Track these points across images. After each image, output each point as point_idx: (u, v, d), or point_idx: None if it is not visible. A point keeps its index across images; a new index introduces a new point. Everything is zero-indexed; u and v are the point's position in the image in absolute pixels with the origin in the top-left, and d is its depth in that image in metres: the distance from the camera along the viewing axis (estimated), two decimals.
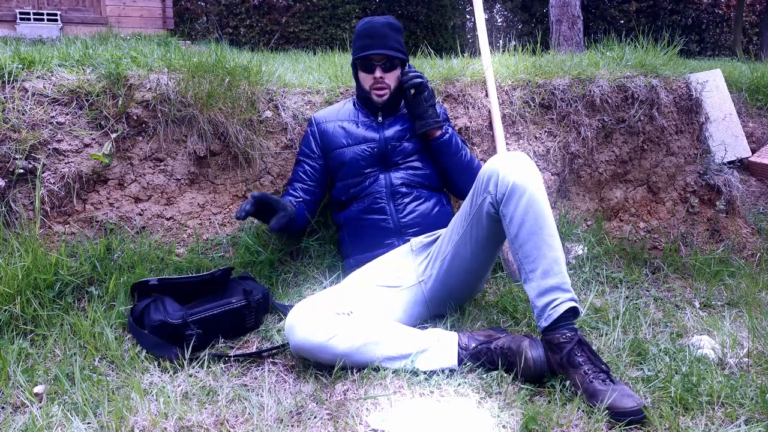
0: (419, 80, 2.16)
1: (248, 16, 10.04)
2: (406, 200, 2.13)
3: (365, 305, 1.86)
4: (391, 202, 2.13)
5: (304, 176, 2.26)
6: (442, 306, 2.04)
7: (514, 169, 1.75)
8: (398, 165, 2.18)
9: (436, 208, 2.16)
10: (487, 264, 2.00)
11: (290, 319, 1.69)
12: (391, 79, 2.19)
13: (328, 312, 1.69)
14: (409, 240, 2.10)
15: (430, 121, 2.17)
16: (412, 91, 2.19)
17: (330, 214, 2.38)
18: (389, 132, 2.20)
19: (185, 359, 1.74)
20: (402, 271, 2.04)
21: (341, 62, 3.09)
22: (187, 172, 2.34)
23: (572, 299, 1.69)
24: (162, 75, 2.33)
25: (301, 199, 2.23)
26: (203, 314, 1.85)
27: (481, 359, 1.73)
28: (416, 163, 2.19)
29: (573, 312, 1.68)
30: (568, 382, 1.62)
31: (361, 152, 2.18)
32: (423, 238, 2.09)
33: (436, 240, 2.08)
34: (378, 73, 2.17)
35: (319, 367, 1.74)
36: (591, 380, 1.56)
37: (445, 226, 2.07)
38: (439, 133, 2.19)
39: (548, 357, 1.67)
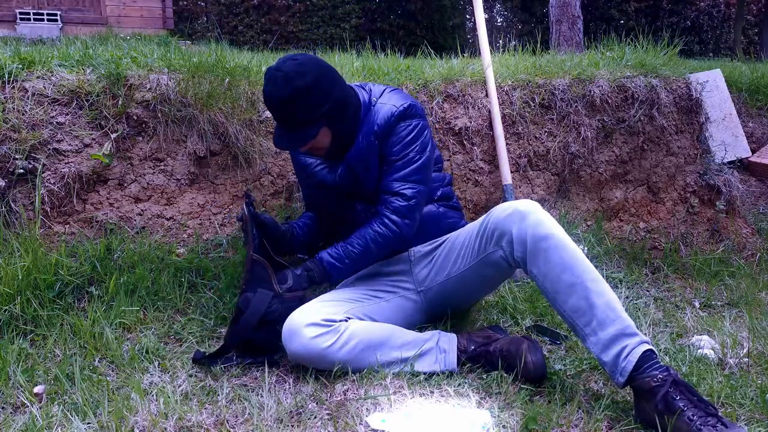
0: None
1: (248, 15, 10.04)
2: None
3: (362, 310, 1.81)
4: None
5: (304, 200, 2.19)
6: (440, 313, 1.98)
7: (526, 224, 1.62)
8: (366, 198, 1.93)
9: (429, 216, 1.95)
10: (493, 288, 2.01)
11: (287, 329, 1.67)
12: (321, 142, 1.83)
13: (325, 320, 1.67)
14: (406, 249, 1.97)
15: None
16: None
17: None
18: (341, 175, 1.90)
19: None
20: (400, 278, 1.94)
21: (341, 62, 3.08)
22: (187, 172, 2.34)
23: (643, 342, 1.50)
24: (162, 75, 2.33)
25: (309, 217, 2.12)
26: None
27: (480, 362, 1.73)
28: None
29: (649, 354, 1.49)
30: (567, 383, 1.62)
31: (326, 195, 1.97)
32: (422, 248, 1.94)
33: (436, 248, 1.92)
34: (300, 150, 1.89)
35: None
36: (699, 427, 1.35)
37: (443, 231, 1.94)
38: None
39: (640, 407, 1.46)
